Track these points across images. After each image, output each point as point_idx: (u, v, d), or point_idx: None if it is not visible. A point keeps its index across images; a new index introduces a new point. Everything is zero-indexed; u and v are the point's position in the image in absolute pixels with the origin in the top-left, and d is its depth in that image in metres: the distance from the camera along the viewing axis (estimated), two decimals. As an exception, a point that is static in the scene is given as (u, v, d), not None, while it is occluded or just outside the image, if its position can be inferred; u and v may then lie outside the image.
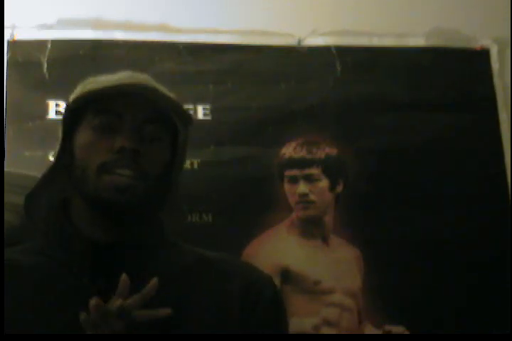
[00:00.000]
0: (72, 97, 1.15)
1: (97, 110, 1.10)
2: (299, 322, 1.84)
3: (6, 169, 1.46)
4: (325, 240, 1.94)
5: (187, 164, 1.89)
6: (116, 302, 0.96)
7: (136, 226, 1.12)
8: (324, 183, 1.95)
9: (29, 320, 1.02)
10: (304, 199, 1.93)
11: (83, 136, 1.10)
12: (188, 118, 1.17)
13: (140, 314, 0.97)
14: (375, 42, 2.07)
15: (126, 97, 1.10)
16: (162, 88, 1.15)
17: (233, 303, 1.10)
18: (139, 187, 1.07)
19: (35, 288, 1.06)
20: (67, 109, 1.14)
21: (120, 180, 1.06)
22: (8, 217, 1.27)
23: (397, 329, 1.88)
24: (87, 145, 1.09)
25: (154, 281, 0.98)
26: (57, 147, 1.15)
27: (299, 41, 2.03)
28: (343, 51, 2.04)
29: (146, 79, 1.14)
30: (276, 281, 1.81)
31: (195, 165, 1.90)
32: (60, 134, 1.15)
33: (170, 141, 1.14)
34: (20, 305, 1.04)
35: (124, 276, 0.98)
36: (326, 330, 1.86)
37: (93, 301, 0.95)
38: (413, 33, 2.08)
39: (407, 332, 1.88)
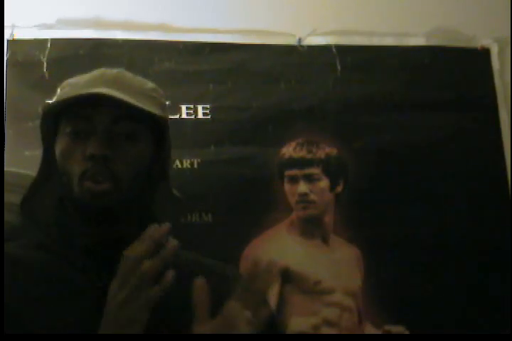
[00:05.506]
0: (46, 106, 1.15)
1: (67, 117, 1.11)
2: (299, 322, 1.84)
3: (6, 169, 1.46)
4: (325, 240, 1.93)
5: (187, 164, 1.89)
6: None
7: (128, 226, 1.12)
8: (324, 183, 1.95)
9: (28, 313, 1.02)
10: (304, 199, 1.93)
11: (60, 144, 1.11)
12: (163, 118, 1.15)
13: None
14: (375, 41, 2.07)
15: (93, 101, 1.08)
16: (135, 81, 1.14)
17: None
18: (115, 192, 1.07)
19: (34, 281, 1.06)
20: (43, 118, 1.15)
21: (95, 187, 1.06)
22: (7, 216, 1.27)
23: (397, 329, 1.88)
24: (65, 153, 1.10)
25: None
26: (41, 157, 1.17)
27: (299, 40, 2.03)
28: (343, 50, 2.04)
29: (117, 77, 1.13)
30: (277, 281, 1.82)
31: (195, 165, 1.90)
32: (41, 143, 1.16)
33: (150, 136, 1.13)
34: (19, 299, 1.04)
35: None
36: (326, 330, 1.86)
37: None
38: (413, 32, 2.08)
39: (407, 332, 1.88)
